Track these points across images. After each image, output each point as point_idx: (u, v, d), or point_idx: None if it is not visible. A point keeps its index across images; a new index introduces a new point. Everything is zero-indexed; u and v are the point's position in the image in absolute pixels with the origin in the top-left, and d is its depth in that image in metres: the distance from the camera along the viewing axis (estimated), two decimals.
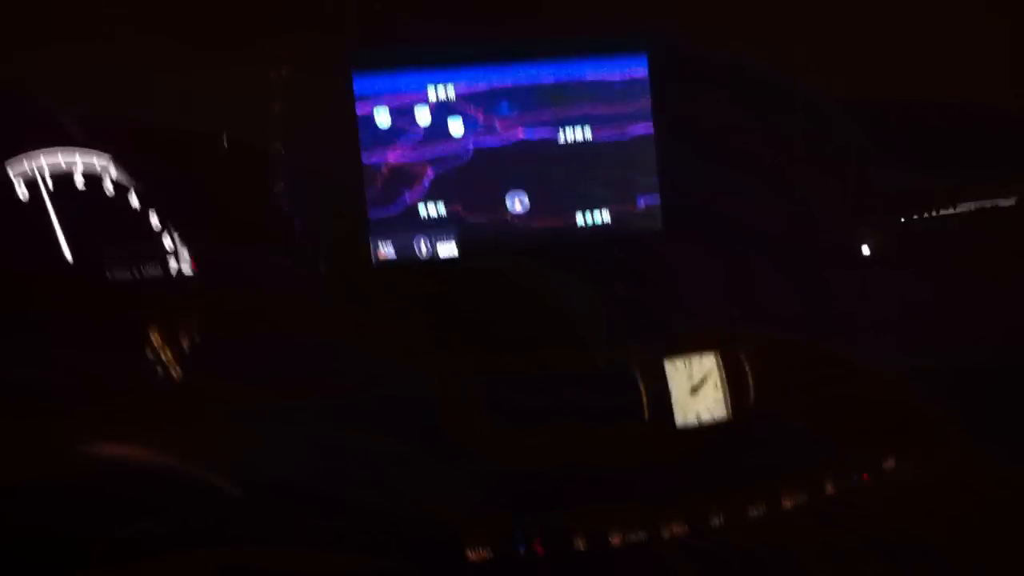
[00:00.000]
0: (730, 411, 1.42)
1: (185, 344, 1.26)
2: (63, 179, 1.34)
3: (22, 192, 1.33)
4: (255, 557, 1.04)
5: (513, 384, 1.36)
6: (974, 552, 1.37)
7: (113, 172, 1.34)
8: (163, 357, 1.25)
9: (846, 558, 1.26)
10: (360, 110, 1.39)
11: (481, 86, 1.43)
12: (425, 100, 1.41)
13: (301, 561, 1.04)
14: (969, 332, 1.51)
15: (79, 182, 1.34)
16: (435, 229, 1.43)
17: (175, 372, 1.25)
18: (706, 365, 1.43)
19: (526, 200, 1.45)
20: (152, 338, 1.26)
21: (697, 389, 1.42)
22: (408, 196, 1.42)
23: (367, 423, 1.29)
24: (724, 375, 1.43)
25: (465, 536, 1.24)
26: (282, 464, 1.27)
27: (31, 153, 1.32)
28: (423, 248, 1.43)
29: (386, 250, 1.42)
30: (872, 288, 1.54)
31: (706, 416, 1.42)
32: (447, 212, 1.43)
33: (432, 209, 1.43)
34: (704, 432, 1.41)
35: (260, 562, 1.03)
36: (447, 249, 1.43)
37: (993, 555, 1.37)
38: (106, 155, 1.34)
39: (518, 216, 1.45)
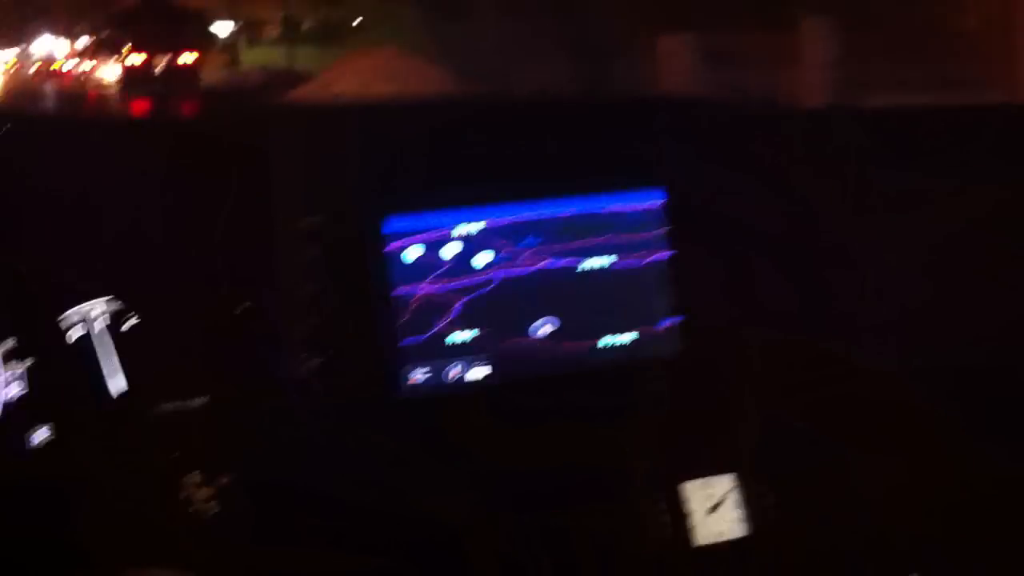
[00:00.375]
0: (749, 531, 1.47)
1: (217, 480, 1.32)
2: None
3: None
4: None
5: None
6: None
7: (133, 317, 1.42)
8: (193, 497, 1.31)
9: None
10: (391, 247, 1.46)
11: (505, 220, 1.50)
12: (453, 236, 1.49)
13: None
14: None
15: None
16: (463, 355, 1.49)
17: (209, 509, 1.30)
18: (725, 485, 1.48)
19: (551, 326, 1.52)
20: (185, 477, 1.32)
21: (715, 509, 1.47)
22: (437, 324, 1.49)
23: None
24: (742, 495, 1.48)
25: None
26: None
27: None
28: (452, 373, 1.49)
29: (416, 375, 1.48)
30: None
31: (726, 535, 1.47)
32: (475, 338, 1.50)
33: (460, 336, 1.49)
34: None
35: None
36: (476, 373, 1.50)
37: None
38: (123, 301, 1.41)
39: (544, 341, 1.52)
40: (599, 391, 1.50)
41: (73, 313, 1.41)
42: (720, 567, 1.46)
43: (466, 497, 1.33)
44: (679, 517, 1.46)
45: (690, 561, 1.45)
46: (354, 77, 2.30)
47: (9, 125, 1.45)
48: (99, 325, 1.41)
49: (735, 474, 1.50)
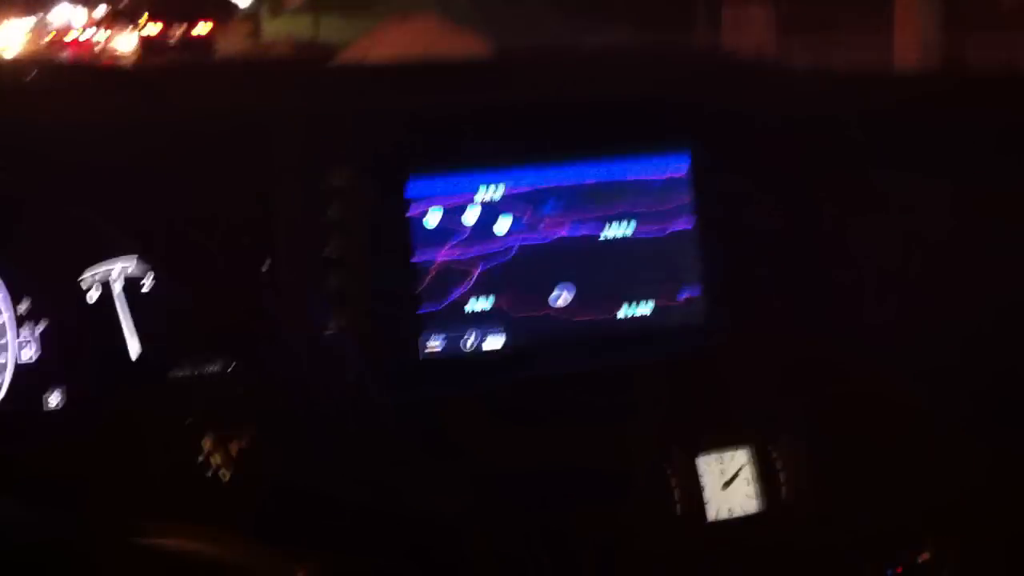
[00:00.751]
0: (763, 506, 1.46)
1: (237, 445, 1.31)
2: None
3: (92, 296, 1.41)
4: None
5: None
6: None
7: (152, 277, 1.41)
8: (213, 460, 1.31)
9: None
10: (412, 211, 1.45)
11: (526, 186, 1.49)
12: (474, 202, 1.47)
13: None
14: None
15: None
16: (481, 323, 1.48)
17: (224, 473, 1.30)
18: (739, 460, 1.48)
19: (570, 294, 1.50)
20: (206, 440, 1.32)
21: (729, 484, 1.47)
22: (455, 292, 1.47)
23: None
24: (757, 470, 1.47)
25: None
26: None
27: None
28: (470, 341, 1.48)
29: (433, 343, 1.47)
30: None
31: (738, 511, 1.46)
32: (493, 306, 1.48)
33: (478, 304, 1.48)
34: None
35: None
36: (493, 342, 1.48)
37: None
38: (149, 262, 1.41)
39: (562, 310, 1.50)
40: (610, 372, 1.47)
41: (90, 274, 1.40)
42: (732, 543, 1.45)
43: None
44: (693, 491, 1.45)
45: (703, 536, 1.44)
46: (390, 46, 2.27)
47: (36, 72, 1.44)
48: (117, 287, 1.41)
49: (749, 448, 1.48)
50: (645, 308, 1.53)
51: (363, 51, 2.43)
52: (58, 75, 1.52)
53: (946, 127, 1.59)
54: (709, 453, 1.48)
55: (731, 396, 1.50)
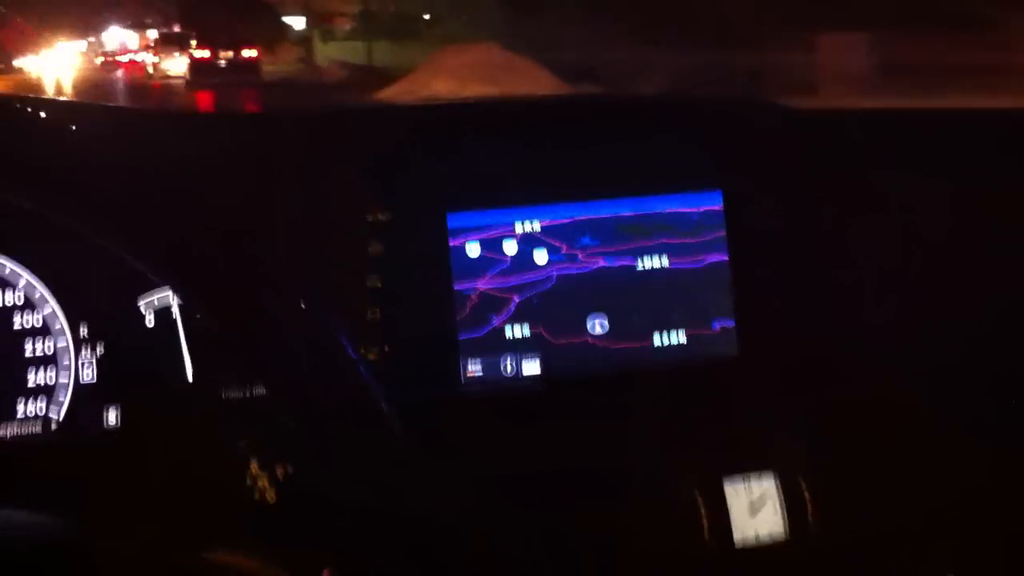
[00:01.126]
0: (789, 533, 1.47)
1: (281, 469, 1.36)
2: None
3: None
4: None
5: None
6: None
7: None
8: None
9: None
10: (452, 243, 1.51)
11: (564, 219, 1.54)
12: (512, 234, 1.53)
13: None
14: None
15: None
16: (520, 350, 1.53)
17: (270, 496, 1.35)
18: (765, 485, 1.49)
19: (606, 323, 1.55)
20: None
21: (757, 510, 1.48)
22: (495, 319, 1.52)
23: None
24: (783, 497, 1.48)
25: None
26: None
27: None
28: (509, 367, 1.53)
29: (474, 368, 1.52)
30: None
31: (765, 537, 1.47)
32: (531, 334, 1.53)
33: (517, 331, 1.53)
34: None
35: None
36: (531, 368, 1.53)
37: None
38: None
39: (598, 338, 1.55)
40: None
41: (147, 300, 1.47)
42: (759, 569, 1.47)
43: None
44: (719, 516, 1.47)
45: (728, 562, 1.46)
46: (450, 74, 2.31)
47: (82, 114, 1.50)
48: (170, 313, 1.47)
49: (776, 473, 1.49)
50: (679, 337, 1.56)
51: (425, 78, 2.48)
52: (102, 117, 1.58)
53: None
54: (734, 478, 1.49)
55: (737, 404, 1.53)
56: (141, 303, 1.47)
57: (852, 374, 1.55)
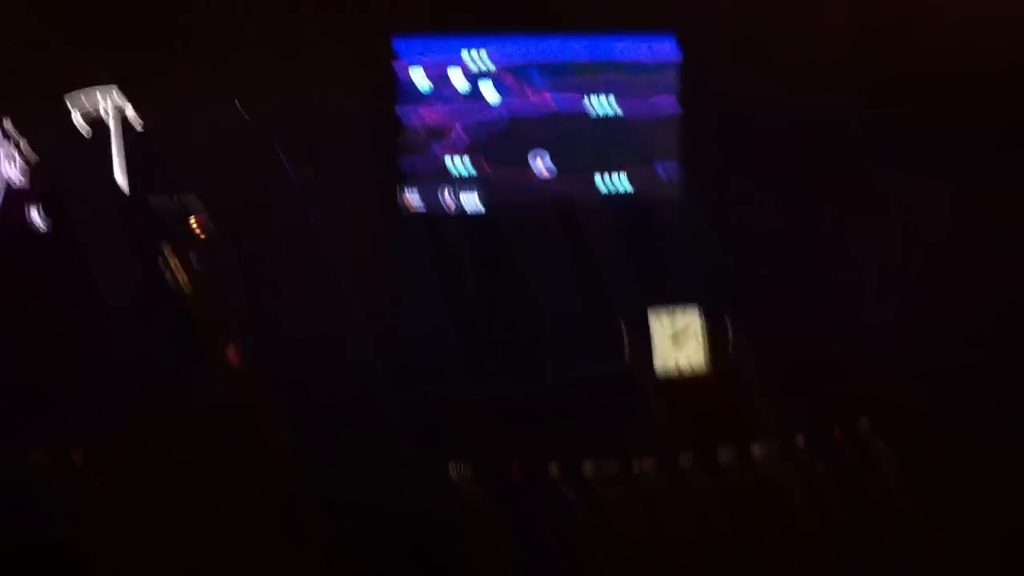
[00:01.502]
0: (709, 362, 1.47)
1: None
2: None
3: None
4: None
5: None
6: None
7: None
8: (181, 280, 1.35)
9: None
10: (398, 66, 1.52)
11: (515, 56, 1.53)
12: (459, 63, 1.52)
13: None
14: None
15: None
16: (460, 182, 1.51)
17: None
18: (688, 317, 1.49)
19: (549, 162, 1.52)
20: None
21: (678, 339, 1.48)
22: (437, 148, 1.53)
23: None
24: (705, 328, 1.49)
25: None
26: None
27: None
28: (449, 199, 1.50)
29: (414, 199, 1.50)
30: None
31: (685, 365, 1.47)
32: (473, 167, 1.52)
33: (459, 163, 1.52)
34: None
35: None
36: (472, 202, 1.50)
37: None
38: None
39: (541, 177, 1.52)
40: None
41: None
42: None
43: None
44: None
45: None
46: None
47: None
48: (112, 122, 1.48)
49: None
50: (622, 179, 1.54)
51: None
52: None
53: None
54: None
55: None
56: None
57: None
